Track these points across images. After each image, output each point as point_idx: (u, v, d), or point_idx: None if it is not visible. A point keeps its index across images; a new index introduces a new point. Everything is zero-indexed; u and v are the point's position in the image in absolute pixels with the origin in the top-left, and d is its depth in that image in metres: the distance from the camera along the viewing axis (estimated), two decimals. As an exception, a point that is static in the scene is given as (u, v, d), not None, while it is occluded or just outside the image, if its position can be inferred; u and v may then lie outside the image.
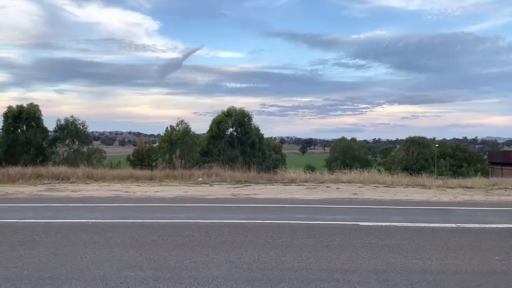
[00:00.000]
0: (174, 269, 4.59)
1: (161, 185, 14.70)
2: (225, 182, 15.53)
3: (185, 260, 4.96)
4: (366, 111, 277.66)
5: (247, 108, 33.71)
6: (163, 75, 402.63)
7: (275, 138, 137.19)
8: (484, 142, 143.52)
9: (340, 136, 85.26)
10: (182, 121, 34.82)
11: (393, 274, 4.48)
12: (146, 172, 16.48)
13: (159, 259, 4.99)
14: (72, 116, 34.88)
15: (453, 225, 7.49)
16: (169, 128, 35.90)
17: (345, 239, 6.22)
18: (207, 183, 15.19)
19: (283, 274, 4.43)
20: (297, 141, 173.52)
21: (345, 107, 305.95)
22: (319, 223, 7.68)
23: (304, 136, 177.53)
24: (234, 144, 32.57)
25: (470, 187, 14.38)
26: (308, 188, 14.06)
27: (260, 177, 16.97)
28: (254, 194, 12.47)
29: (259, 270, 4.59)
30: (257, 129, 34.91)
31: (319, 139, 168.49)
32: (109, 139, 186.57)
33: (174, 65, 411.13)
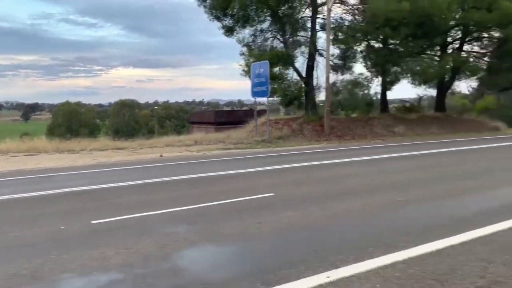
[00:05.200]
0: None
1: None
2: None
3: None
4: (101, 74, 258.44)
5: None
6: None
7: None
8: (209, 103, 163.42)
9: (75, 100, 77.74)
10: None
11: None
12: None
13: None
14: None
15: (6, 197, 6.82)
16: None
17: None
18: None
19: None
20: (19, 106, 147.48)
21: (77, 68, 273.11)
22: None
23: (28, 101, 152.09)
24: None
25: (121, 148, 14.83)
26: None
27: None
28: None
29: None
30: None
31: (48, 104, 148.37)
32: None
33: None
